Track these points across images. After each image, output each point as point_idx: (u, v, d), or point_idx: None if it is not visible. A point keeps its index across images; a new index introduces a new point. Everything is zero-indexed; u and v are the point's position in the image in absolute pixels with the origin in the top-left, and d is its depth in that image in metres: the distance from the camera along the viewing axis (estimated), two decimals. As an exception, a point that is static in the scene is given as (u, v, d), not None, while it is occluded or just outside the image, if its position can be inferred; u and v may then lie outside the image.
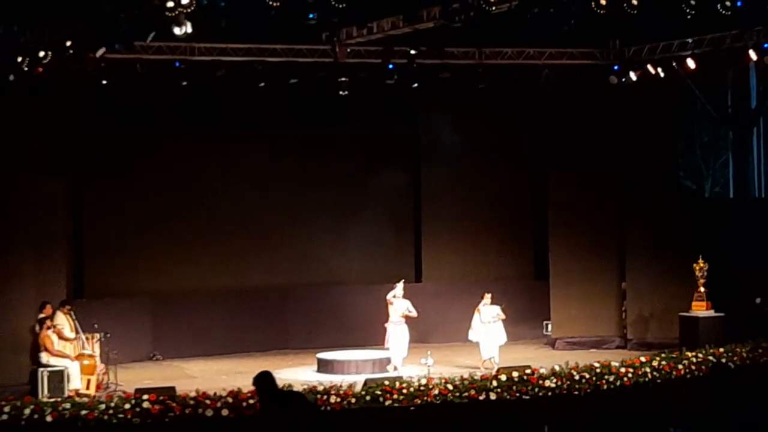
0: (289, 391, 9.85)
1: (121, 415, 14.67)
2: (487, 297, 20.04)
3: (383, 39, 19.76)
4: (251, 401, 15.00)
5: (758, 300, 22.04)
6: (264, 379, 9.93)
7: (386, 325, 19.80)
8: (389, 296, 19.84)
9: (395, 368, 19.52)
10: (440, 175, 24.73)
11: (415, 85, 21.61)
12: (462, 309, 22.46)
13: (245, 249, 23.38)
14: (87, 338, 18.91)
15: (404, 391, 15.80)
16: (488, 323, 19.84)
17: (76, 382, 17.93)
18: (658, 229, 22.39)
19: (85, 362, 18.34)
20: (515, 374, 16.40)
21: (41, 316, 18.39)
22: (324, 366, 20.25)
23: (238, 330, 22.80)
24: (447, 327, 23.08)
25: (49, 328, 18.13)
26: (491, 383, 16.16)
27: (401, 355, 19.70)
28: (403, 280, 20.14)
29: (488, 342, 19.83)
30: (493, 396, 16.01)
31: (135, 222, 22.53)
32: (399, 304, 19.76)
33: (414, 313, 19.82)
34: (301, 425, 9.55)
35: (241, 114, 22.59)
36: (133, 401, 14.85)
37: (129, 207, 22.50)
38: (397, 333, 19.68)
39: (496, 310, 19.96)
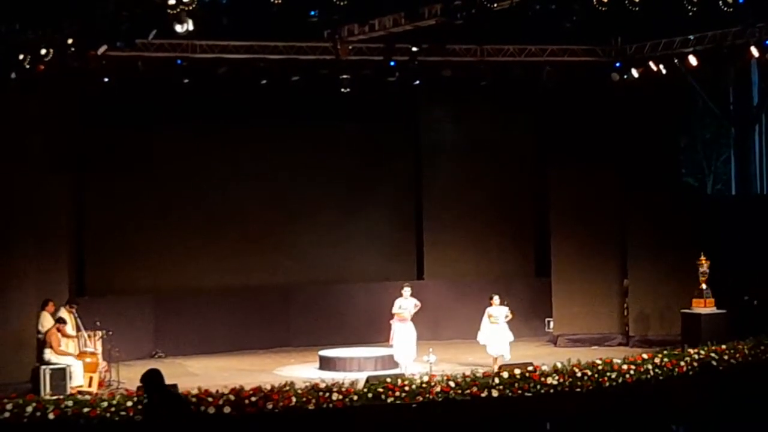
0: (173, 393, 9.85)
1: (123, 413, 14.69)
2: (497, 298, 19.89)
3: (385, 36, 19.74)
4: (253, 399, 15.02)
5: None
6: (152, 378, 9.83)
7: (391, 322, 19.70)
8: (395, 309, 19.63)
9: (398, 366, 19.47)
10: (442, 172, 24.73)
11: (417, 82, 21.64)
12: (464, 306, 22.52)
13: (247, 247, 23.37)
14: (89, 336, 18.92)
15: (406, 388, 15.79)
16: (497, 323, 19.69)
17: (78, 379, 17.94)
18: (660, 226, 22.38)
19: (87, 360, 18.36)
20: (517, 371, 16.40)
21: (45, 312, 18.42)
22: (326, 363, 20.24)
23: (240, 328, 22.81)
24: (449, 324, 23.11)
25: (59, 329, 18.19)
26: (493, 380, 16.16)
27: (407, 354, 19.56)
28: (409, 288, 19.93)
29: (495, 342, 19.68)
30: (495, 393, 16.02)
31: (137, 220, 22.53)
32: (407, 306, 19.65)
33: (419, 304, 19.71)
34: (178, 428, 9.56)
35: (242, 112, 22.59)
36: (135, 399, 14.87)
37: (131, 205, 22.50)
38: (401, 331, 19.58)
39: (505, 310, 19.84)
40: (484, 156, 24.56)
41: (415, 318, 19.72)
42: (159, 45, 19.50)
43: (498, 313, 19.68)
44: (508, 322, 19.74)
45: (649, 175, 22.68)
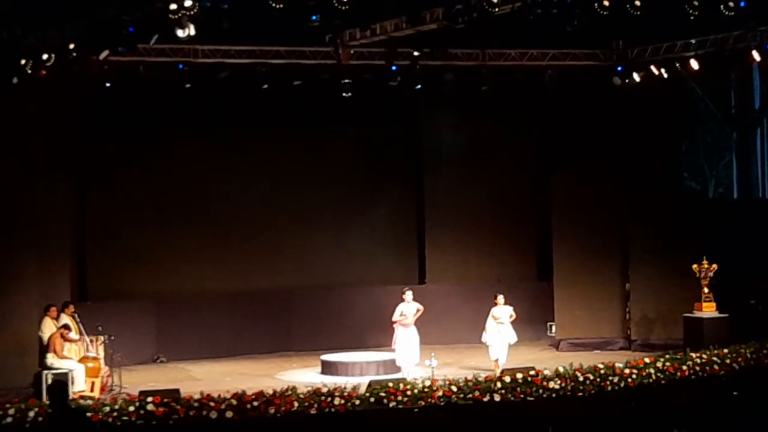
0: (74, 408, 10.02)
1: (125, 418, 14.66)
2: (501, 297, 19.90)
3: (386, 41, 19.75)
4: (255, 403, 15.02)
5: (752, 301, 22.12)
6: (58, 390, 10.11)
7: (395, 325, 19.66)
8: (396, 316, 19.55)
9: (401, 370, 19.45)
10: (444, 176, 24.73)
11: (419, 86, 21.62)
12: (466, 310, 22.53)
13: (249, 251, 23.39)
14: (91, 341, 18.92)
15: (408, 392, 15.78)
16: (502, 324, 19.67)
17: (80, 384, 17.94)
18: (662, 230, 22.38)
19: (90, 365, 18.36)
20: (519, 376, 16.38)
21: (48, 317, 18.42)
22: (328, 368, 20.24)
23: (242, 332, 22.81)
24: (450, 328, 23.08)
25: (62, 334, 18.19)
26: (495, 385, 16.14)
27: (409, 359, 19.53)
28: (411, 292, 19.89)
29: (497, 344, 19.67)
30: (497, 397, 16.00)
31: (138, 224, 22.54)
32: (409, 311, 19.62)
33: (421, 308, 19.68)
34: None
35: (244, 116, 22.60)
36: (137, 403, 14.85)
37: (132, 209, 22.52)
38: (404, 335, 19.53)
39: (510, 310, 19.83)
40: (486, 160, 24.58)
41: (417, 322, 19.70)
42: (160, 50, 19.49)
43: (502, 313, 19.69)
44: (512, 323, 19.75)
45: (650, 178, 22.69)
